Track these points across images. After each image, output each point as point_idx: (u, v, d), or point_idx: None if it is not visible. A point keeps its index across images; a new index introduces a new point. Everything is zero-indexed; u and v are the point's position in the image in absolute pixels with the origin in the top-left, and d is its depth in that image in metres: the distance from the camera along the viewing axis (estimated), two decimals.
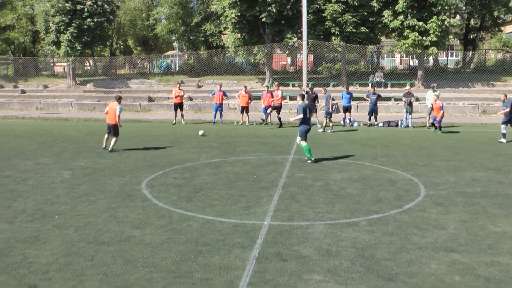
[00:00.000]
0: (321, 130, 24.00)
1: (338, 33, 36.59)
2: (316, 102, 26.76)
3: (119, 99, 19.31)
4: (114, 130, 19.15)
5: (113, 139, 19.14)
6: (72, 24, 40.46)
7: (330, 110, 25.43)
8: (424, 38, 35.35)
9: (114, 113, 19.03)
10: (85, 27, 40.64)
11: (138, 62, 59.60)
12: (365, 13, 36.23)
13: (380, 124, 28.28)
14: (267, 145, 20.91)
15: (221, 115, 29.06)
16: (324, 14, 36.45)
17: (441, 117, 24.80)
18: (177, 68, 52.56)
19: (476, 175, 15.31)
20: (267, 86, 31.29)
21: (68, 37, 40.50)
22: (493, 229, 10.30)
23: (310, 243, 9.27)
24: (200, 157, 17.94)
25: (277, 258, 8.57)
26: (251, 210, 11.42)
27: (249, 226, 10.25)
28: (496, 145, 21.19)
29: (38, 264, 8.29)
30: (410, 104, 27.67)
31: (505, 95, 23.63)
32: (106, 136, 19.67)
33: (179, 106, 28.82)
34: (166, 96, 38.47)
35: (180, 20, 47.27)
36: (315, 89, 29.95)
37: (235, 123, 28.82)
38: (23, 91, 43.64)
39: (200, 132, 20.85)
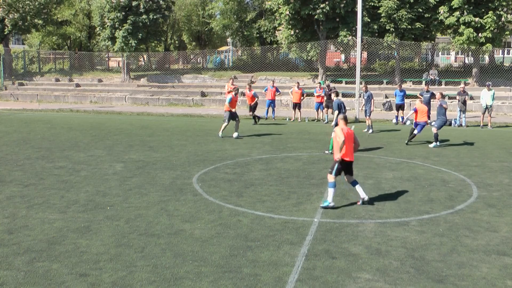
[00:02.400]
0: (370, 131, 23.59)
1: (393, 30, 36.21)
2: (334, 97, 26.87)
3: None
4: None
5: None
6: (127, 20, 41.09)
7: (372, 108, 25.02)
8: (479, 34, 34.65)
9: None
10: (140, 23, 41.22)
11: (191, 57, 60.21)
12: (421, 10, 35.74)
13: (432, 123, 27.82)
14: (319, 142, 20.90)
15: (273, 111, 29.16)
16: (379, 11, 36.12)
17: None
18: (230, 64, 52.86)
19: None
20: (319, 83, 31.26)
21: (123, 33, 41.17)
22: None
23: (360, 241, 9.28)
24: (252, 153, 18.07)
25: (326, 255, 8.61)
26: (301, 206, 11.48)
27: (299, 223, 10.31)
28: None
29: (89, 254, 8.54)
30: (464, 102, 27.16)
31: (441, 94, 22.71)
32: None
33: None
34: (219, 91, 38.78)
35: (235, 16, 47.49)
36: (369, 86, 29.73)
37: (287, 119, 28.87)
38: (78, 85, 44.69)
39: (235, 135, 20.87)
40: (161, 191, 12.73)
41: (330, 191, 11.26)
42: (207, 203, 11.71)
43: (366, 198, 11.54)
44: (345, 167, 11.49)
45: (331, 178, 11.27)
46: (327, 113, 27.60)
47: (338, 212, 11.05)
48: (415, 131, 20.43)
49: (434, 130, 20.48)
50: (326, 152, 18.09)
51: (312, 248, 8.90)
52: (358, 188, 11.56)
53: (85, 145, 19.60)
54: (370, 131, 23.62)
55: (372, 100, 24.93)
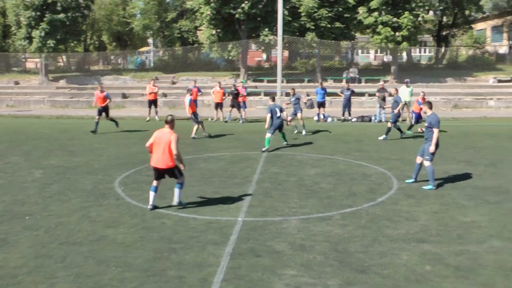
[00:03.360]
0: (303, 132, 23.09)
1: (313, 28, 36.72)
2: (240, 98, 27.28)
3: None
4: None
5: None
6: (44, 19, 39.72)
7: (300, 109, 23.91)
8: (396, 33, 35.69)
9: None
10: (58, 22, 39.94)
11: (112, 58, 59.07)
12: (340, 9, 36.42)
13: (354, 119, 28.48)
14: (242, 141, 20.93)
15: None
16: (299, 10, 36.55)
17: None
18: (152, 64, 52.21)
19: (447, 167, 15.54)
20: (242, 82, 31.36)
21: (40, 33, 39.82)
22: (462, 219, 10.55)
23: (284, 238, 9.35)
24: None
25: (251, 254, 8.63)
26: (224, 206, 11.46)
27: (223, 223, 10.28)
28: (467, 139, 21.53)
29: (6, 268, 8.15)
30: (383, 99, 27.89)
31: (396, 90, 23.77)
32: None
33: (153, 102, 28.63)
34: (140, 92, 38.22)
35: (156, 16, 46.89)
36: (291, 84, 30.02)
37: (209, 119, 28.76)
38: None
39: (329, 119, 19.51)
40: (83, 197, 12.39)
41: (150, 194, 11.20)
42: (130, 207, 11.51)
43: (175, 203, 11.30)
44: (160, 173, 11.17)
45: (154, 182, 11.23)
46: (230, 112, 27.77)
47: (262, 211, 11.10)
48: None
49: (389, 124, 21.69)
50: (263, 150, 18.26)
51: (236, 247, 8.90)
52: (175, 191, 11.28)
53: (1, 152, 18.83)
54: (304, 132, 22.97)
55: (302, 99, 24.58)
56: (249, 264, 8.19)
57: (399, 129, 21.57)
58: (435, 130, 12.88)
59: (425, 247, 8.91)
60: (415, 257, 8.47)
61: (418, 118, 22.53)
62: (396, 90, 23.54)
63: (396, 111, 21.78)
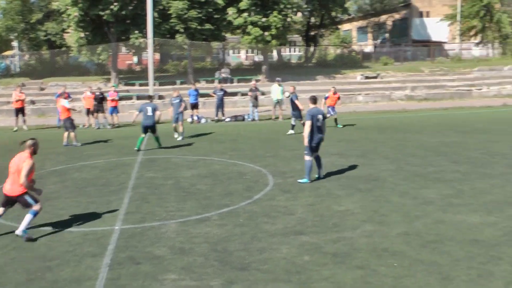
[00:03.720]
0: (180, 138, 22.08)
1: (183, 30, 36.62)
2: (104, 102, 27.02)
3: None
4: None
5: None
6: None
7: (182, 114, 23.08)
8: (266, 33, 36.40)
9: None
10: None
11: None
12: (210, 10, 36.58)
13: (228, 119, 28.75)
14: (115, 147, 20.42)
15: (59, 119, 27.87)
16: (169, 12, 36.30)
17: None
18: (18, 70, 49.73)
19: (321, 160, 16.00)
20: (113, 86, 30.74)
21: None
22: (337, 208, 10.96)
23: (163, 243, 9.22)
24: (45, 165, 17.05)
25: (130, 262, 8.42)
26: (101, 216, 11.08)
27: (100, 233, 9.94)
28: (339, 132, 22.43)
29: None
30: (256, 98, 28.36)
31: (293, 88, 24.73)
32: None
33: (20, 110, 27.23)
34: (6, 100, 36.18)
35: (20, 17, 44.60)
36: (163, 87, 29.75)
37: (81, 126, 27.84)
38: None
39: (203, 120, 17.73)
40: None
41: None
42: None
43: (19, 232, 9.66)
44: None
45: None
46: (96, 117, 27.28)
47: (140, 217, 10.88)
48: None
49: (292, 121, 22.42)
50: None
51: (115, 257, 8.63)
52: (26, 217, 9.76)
53: None
54: (180, 138, 22.02)
55: (183, 104, 22.98)
56: (129, 273, 7.99)
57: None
58: (306, 123, 13.11)
59: (303, 239, 9.14)
60: (294, 249, 8.66)
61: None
62: (294, 87, 24.34)
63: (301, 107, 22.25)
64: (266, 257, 8.39)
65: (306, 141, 13.14)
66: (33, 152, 10.09)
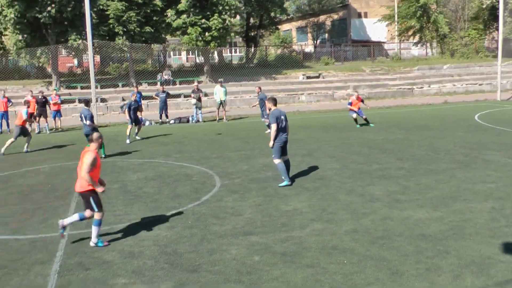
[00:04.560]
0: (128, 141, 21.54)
1: (123, 32, 36.15)
2: (47, 105, 26.57)
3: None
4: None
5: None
6: None
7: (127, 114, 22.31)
8: (206, 33, 36.33)
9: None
10: None
11: None
12: (149, 11, 36.22)
13: (172, 121, 28.55)
14: (60, 152, 19.98)
15: (7, 124, 27.17)
16: (107, 13, 35.76)
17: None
18: None
19: (267, 161, 16.11)
20: (55, 90, 30.11)
21: None
22: (285, 208, 11.03)
23: (112, 247, 9.10)
24: None
25: (79, 268, 8.27)
26: (48, 222, 10.84)
27: (48, 240, 9.73)
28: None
29: None
30: (199, 99, 28.26)
31: (259, 88, 25.03)
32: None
33: None
34: None
35: None
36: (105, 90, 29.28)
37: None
38: None
39: (147, 123, 16.18)
40: None
41: None
42: None
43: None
44: None
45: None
46: (38, 122, 26.54)
47: (87, 222, 10.60)
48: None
49: (266, 121, 21.47)
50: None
51: (64, 264, 8.47)
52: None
53: None
54: (128, 141, 21.48)
55: (125, 107, 22.62)
56: (78, 279, 7.85)
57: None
58: (272, 126, 12.87)
59: (253, 239, 9.17)
60: (244, 250, 8.68)
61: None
62: (260, 88, 24.56)
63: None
64: (216, 258, 8.39)
65: (271, 143, 12.93)
66: (100, 146, 9.88)
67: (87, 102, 19.00)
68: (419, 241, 8.79)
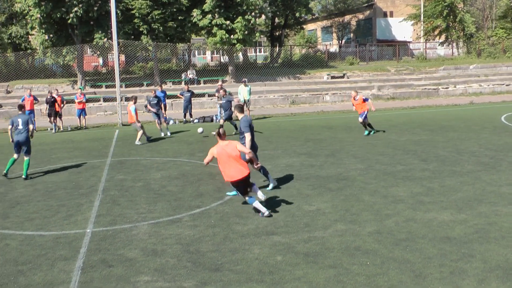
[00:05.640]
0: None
1: (147, 31, 36.36)
2: (57, 105, 26.75)
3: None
4: None
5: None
6: None
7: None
8: (231, 36, 36.38)
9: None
10: None
11: None
12: (174, 9, 36.37)
13: (196, 120, 28.65)
14: (83, 150, 20.21)
15: (33, 121, 27.47)
16: (132, 12, 36.01)
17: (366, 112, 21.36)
18: None
19: (290, 161, 16.11)
20: (80, 89, 30.40)
21: None
22: (308, 208, 11.01)
23: (135, 245, 9.17)
24: (14, 169, 16.68)
25: (102, 265, 8.36)
26: (72, 219, 10.98)
27: (71, 236, 9.86)
28: (306, 132, 22.47)
29: None
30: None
31: (224, 90, 24.71)
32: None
33: None
34: None
35: None
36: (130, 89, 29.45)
37: (48, 129, 27.47)
38: None
39: (199, 130, 16.76)
40: None
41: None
42: None
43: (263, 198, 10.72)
44: None
45: None
46: (51, 122, 26.67)
47: (111, 219, 10.81)
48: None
49: (221, 121, 22.24)
50: None
51: (87, 260, 8.57)
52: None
53: None
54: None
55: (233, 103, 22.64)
56: (101, 276, 7.93)
57: (235, 126, 22.26)
58: (246, 135, 12.36)
59: (275, 239, 9.17)
60: (266, 250, 8.68)
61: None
62: (225, 90, 24.17)
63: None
64: (239, 257, 8.40)
65: (251, 155, 11.46)
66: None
67: (21, 107, 17.12)
68: (443, 243, 8.70)
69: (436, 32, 53.99)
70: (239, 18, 36.06)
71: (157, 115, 23.10)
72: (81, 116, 27.84)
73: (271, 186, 12.86)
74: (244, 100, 27.96)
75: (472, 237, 9.00)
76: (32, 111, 26.88)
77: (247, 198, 10.73)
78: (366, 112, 21.18)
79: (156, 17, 35.78)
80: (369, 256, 8.26)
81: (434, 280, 7.36)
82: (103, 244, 9.31)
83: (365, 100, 21.38)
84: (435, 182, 12.90)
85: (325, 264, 8.00)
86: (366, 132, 21.39)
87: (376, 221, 9.99)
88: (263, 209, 10.58)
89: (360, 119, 21.30)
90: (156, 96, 23.87)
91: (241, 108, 12.87)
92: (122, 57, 44.94)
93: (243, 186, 10.68)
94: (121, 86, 30.86)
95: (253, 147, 12.59)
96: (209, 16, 36.41)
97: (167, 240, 9.37)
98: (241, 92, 28.12)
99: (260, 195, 10.70)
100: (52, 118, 26.33)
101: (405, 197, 11.61)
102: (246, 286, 7.40)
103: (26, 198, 13.01)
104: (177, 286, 7.47)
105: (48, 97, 26.67)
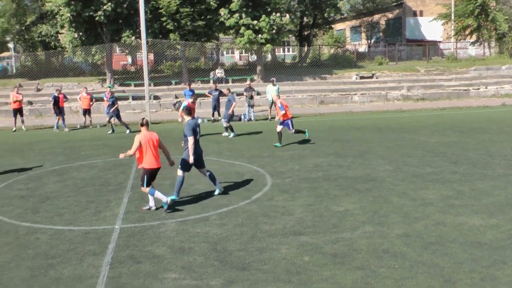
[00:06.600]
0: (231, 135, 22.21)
1: (175, 27, 36.52)
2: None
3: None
4: None
5: None
6: None
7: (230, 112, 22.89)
8: (259, 36, 36.38)
9: None
10: None
11: None
12: (203, 7, 36.50)
13: (224, 119, 28.67)
14: (112, 147, 20.38)
15: (63, 119, 27.86)
16: (160, 10, 36.23)
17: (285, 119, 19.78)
18: (14, 71, 49.49)
19: (318, 161, 16.07)
20: (109, 87, 30.69)
21: None
22: (336, 209, 10.97)
23: (163, 242, 9.24)
24: (44, 165, 17.08)
25: (131, 261, 8.45)
26: (101, 215, 11.13)
27: (100, 232, 9.99)
28: (334, 132, 22.39)
29: None
30: (251, 98, 28.34)
31: (228, 89, 24.44)
32: None
33: (18, 111, 27.19)
34: (4, 101, 36.02)
35: (15, 19, 44.37)
36: (158, 87, 29.56)
37: (78, 126, 27.80)
38: None
39: (199, 120, 16.69)
40: None
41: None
42: (1, 224, 10.79)
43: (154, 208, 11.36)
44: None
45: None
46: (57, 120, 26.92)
47: (139, 216, 10.91)
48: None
49: (225, 123, 21.87)
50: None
51: (116, 256, 8.67)
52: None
53: None
54: (232, 134, 22.23)
55: (234, 104, 22.92)
56: (129, 272, 8.01)
57: (231, 129, 22.16)
58: (189, 139, 12.07)
59: (303, 239, 9.15)
60: (294, 250, 8.67)
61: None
62: (229, 90, 23.90)
63: (230, 111, 22.10)
64: (266, 257, 8.40)
65: (192, 159, 12.04)
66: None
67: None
68: (474, 249, 8.56)
69: (467, 32, 53.23)
70: (263, 17, 36.04)
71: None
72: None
73: (171, 197, 12.13)
74: (272, 99, 27.94)
75: (504, 243, 8.81)
76: (62, 109, 27.21)
77: (149, 188, 11.21)
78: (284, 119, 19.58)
79: (184, 14, 35.94)
80: (397, 259, 8.19)
81: (464, 286, 7.25)
82: (131, 240, 9.41)
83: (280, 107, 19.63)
84: (466, 185, 12.72)
85: (352, 266, 7.96)
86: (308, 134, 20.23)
87: (405, 223, 9.90)
88: (152, 202, 11.36)
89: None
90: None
91: (188, 111, 12.44)
92: (151, 56, 45.25)
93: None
94: (149, 85, 31.08)
95: (197, 150, 12.29)
96: (236, 15, 36.45)
97: (195, 238, 9.41)
98: (269, 91, 28.13)
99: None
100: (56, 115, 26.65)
101: (435, 200, 11.48)
102: (273, 285, 7.40)
103: (56, 193, 13.22)
104: (204, 284, 7.50)
105: (55, 94, 26.95)
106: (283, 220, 10.31)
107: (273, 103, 27.91)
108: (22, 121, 27.38)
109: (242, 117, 28.77)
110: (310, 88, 38.74)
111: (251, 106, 28.52)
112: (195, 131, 12.09)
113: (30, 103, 35.07)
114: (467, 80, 41.99)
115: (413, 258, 8.22)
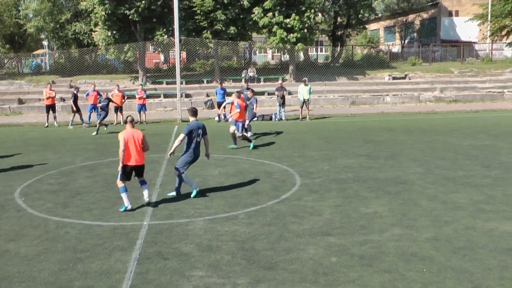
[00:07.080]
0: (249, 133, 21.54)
1: (208, 26, 36.66)
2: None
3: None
4: None
5: None
6: None
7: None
8: (291, 35, 36.30)
9: None
10: None
11: (5, 62, 56.36)
12: (236, 10, 36.56)
13: (255, 119, 28.71)
14: None
15: (97, 114, 28.18)
16: (194, 9, 36.40)
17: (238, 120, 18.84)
18: (48, 68, 50.26)
19: (348, 162, 16.00)
20: (141, 85, 30.97)
21: None
22: (365, 210, 10.90)
23: (191, 240, 9.29)
24: (75, 160, 17.35)
25: (158, 257, 8.52)
26: (129, 211, 11.23)
27: (128, 228, 10.10)
28: (365, 133, 22.26)
29: None
30: (282, 97, 28.32)
31: (252, 90, 23.68)
32: None
33: (51, 107, 27.67)
34: (37, 97, 36.66)
35: (50, 17, 45.08)
36: (190, 86, 29.71)
37: (113, 123, 28.08)
38: None
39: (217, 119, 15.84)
40: None
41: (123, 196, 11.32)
42: (32, 218, 11.00)
43: (147, 200, 11.55)
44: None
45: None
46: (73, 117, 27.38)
47: (167, 213, 10.99)
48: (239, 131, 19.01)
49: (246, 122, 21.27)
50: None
51: (143, 252, 8.76)
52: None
53: None
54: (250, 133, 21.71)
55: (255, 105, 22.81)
56: (157, 268, 8.08)
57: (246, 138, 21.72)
58: (180, 136, 12.22)
59: (330, 240, 9.13)
60: (321, 250, 8.65)
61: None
62: (252, 91, 22.82)
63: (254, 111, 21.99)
64: (293, 257, 8.40)
65: (171, 151, 12.27)
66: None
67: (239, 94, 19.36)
68: (505, 255, 8.40)
69: (503, 32, 52.22)
70: (293, 15, 35.95)
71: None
72: (141, 111, 28.42)
73: (194, 192, 12.28)
74: (304, 99, 27.91)
75: None
76: (95, 106, 27.54)
77: (123, 184, 11.33)
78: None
79: (219, 18, 36.02)
80: (425, 263, 8.11)
81: None
82: (159, 237, 9.48)
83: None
84: (498, 190, 12.52)
85: (380, 268, 7.91)
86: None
87: (434, 227, 9.79)
88: (126, 202, 11.25)
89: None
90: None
91: (193, 112, 12.47)
92: (184, 54, 45.50)
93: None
94: (181, 83, 31.26)
95: (191, 154, 12.33)
96: (270, 14, 36.43)
97: (223, 236, 9.45)
98: (301, 91, 28.07)
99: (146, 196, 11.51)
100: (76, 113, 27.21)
101: (465, 204, 11.33)
102: (300, 286, 7.39)
103: (86, 189, 13.40)
104: (231, 282, 7.52)
105: (75, 92, 27.35)
106: (311, 220, 10.30)
107: (304, 102, 27.89)
108: (55, 117, 27.85)
109: (273, 116, 28.78)
110: (342, 88, 38.56)
111: (282, 105, 28.50)
112: (191, 132, 12.19)
113: (63, 99, 35.54)
114: (502, 82, 41.28)
115: (441, 262, 8.13)
